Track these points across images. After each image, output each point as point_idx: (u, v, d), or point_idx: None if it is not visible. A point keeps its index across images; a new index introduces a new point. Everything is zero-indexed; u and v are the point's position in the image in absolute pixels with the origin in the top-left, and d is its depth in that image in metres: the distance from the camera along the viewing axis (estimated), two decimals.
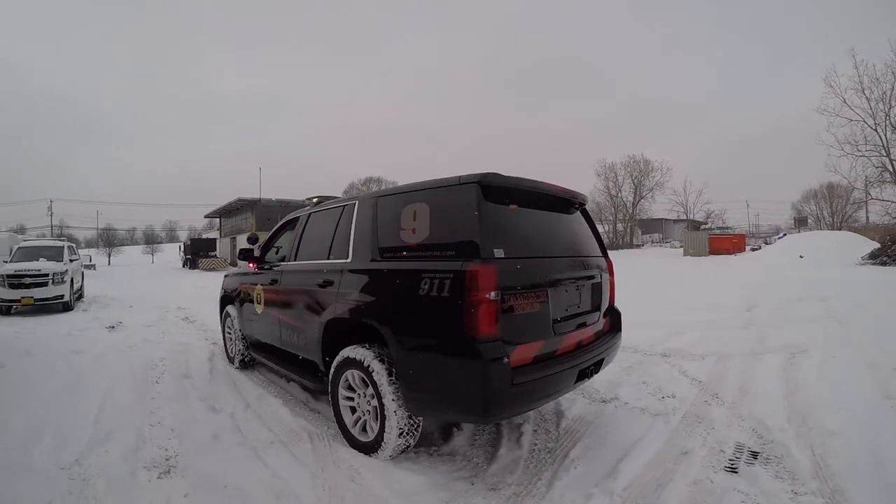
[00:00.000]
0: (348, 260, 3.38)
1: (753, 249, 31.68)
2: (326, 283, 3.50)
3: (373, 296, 3.10)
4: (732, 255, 28.53)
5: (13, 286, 9.91)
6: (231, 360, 5.63)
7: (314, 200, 4.40)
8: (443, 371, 2.59)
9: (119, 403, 4.16)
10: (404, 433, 2.92)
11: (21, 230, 46.90)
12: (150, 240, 75.23)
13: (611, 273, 3.77)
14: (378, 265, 3.10)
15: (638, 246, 51.27)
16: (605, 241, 48.96)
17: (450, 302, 2.51)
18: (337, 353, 3.30)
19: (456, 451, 3.20)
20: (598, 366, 3.19)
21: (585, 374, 3.02)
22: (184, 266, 40.84)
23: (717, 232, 39.91)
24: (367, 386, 3.05)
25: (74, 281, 11.50)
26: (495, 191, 2.77)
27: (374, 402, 3.00)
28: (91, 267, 29.89)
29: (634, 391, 4.23)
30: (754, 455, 2.95)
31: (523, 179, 2.96)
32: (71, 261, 11.71)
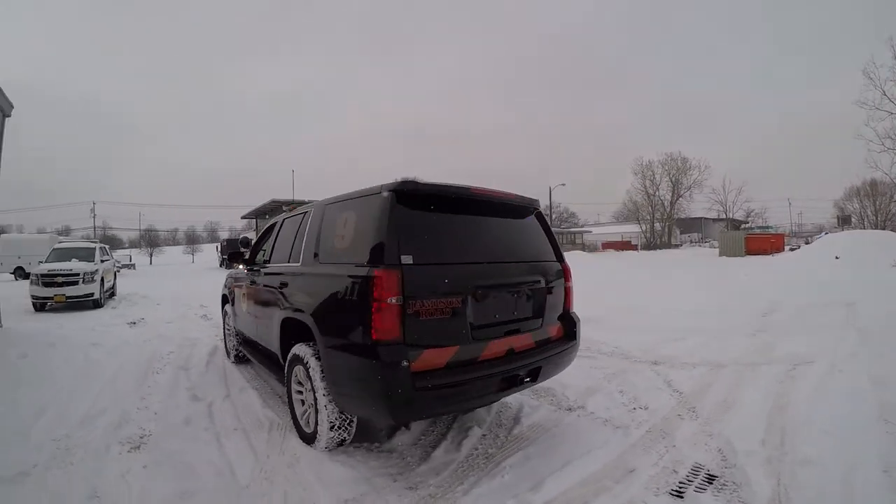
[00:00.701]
0: (299, 264, 3.65)
1: (792, 249, 30.12)
2: (283, 285, 3.79)
3: (309, 297, 3.33)
4: (770, 256, 27.21)
5: (47, 285, 10.79)
6: (228, 355, 6.02)
7: (290, 207, 4.61)
8: (353, 371, 2.74)
9: (118, 390, 4.66)
10: (335, 427, 3.10)
11: (66, 231, 49.67)
12: (192, 240, 78.31)
13: (566, 278, 3.70)
14: (315, 269, 3.35)
15: (676, 246, 49.82)
16: (643, 240, 47.39)
17: (358, 305, 2.67)
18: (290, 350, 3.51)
19: (395, 448, 3.33)
20: (535, 374, 3.18)
21: (515, 381, 3.03)
22: (220, 265, 42.36)
23: (757, 231, 38.21)
24: (309, 381, 3.24)
25: (105, 280, 12.21)
26: (415, 198, 2.88)
27: (312, 397, 3.20)
28: (131, 266, 31.48)
29: (606, 400, 4.13)
30: (710, 479, 2.74)
31: (448, 186, 3.03)
32: (102, 261, 12.45)
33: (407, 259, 2.68)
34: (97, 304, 11.37)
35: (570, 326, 3.66)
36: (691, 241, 54.12)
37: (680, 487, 2.68)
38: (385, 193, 2.82)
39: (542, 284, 3.40)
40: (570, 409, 3.95)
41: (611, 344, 6.10)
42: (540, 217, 3.74)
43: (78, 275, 10.98)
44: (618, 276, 17.52)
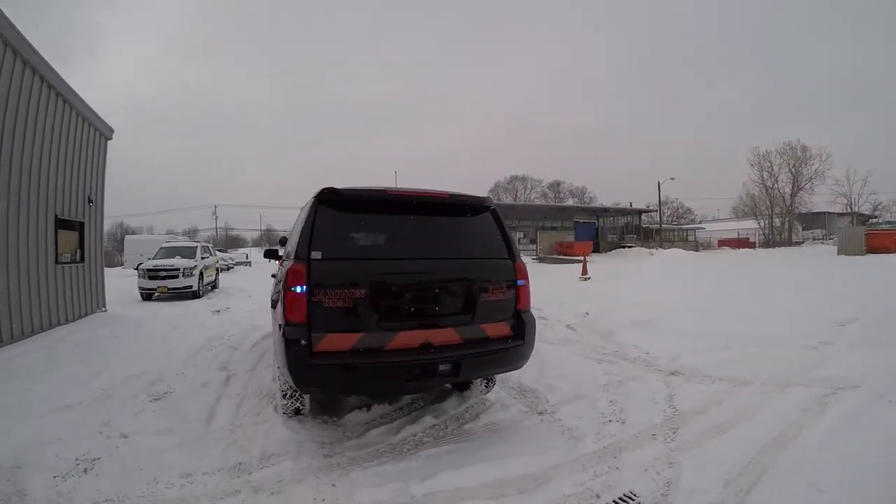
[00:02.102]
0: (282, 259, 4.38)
1: None
2: (273, 276, 4.54)
3: (275, 287, 4.07)
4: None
5: (151, 278, 13.15)
6: None
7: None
8: (275, 346, 3.38)
9: (169, 360, 5.80)
10: (287, 396, 3.74)
11: (193, 232, 56.74)
12: None
13: (519, 276, 3.75)
14: (282, 262, 4.05)
15: (797, 243, 44.64)
16: (760, 237, 42.75)
17: (282, 293, 3.24)
18: None
19: (345, 424, 3.82)
20: (457, 368, 3.36)
21: (432, 373, 3.30)
22: None
23: (885, 227, 32.94)
24: None
25: (205, 275, 14.31)
26: (336, 203, 3.40)
27: None
28: (246, 264, 35.05)
29: (586, 409, 4.02)
30: None
31: (363, 189, 3.51)
32: (203, 258, 14.49)
33: (316, 255, 3.16)
34: (196, 295, 13.45)
35: (519, 326, 3.70)
36: (814, 238, 48.29)
37: None
38: (311, 199, 3.41)
39: (473, 281, 3.53)
40: (540, 413, 3.97)
41: (642, 348, 5.90)
42: (495, 215, 3.87)
43: (178, 269, 13.18)
44: (705, 276, 16.37)
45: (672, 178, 43.78)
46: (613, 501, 2.62)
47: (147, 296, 13.20)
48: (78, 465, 3.05)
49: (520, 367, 3.85)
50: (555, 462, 3.07)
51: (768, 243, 44.88)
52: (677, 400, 4.17)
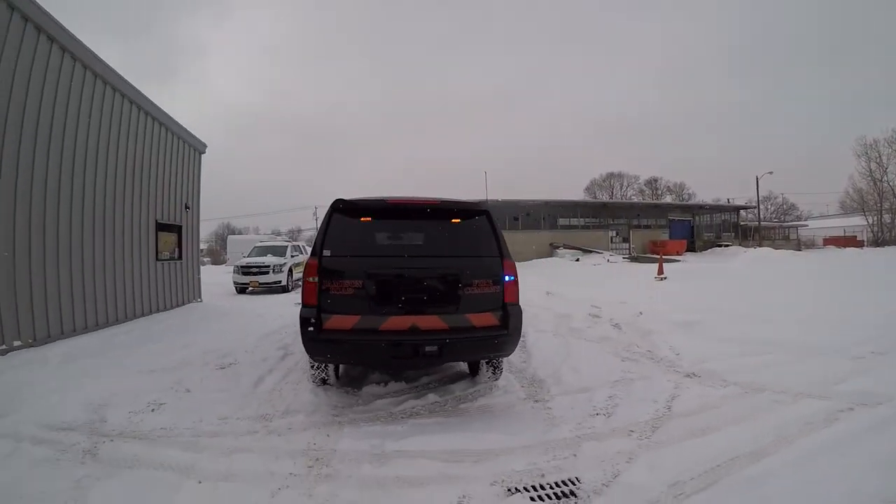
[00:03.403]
0: None
1: None
2: None
3: None
4: None
5: (245, 274, 14.99)
6: None
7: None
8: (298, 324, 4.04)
9: (243, 340, 6.92)
10: (314, 367, 4.48)
11: (297, 232, 61.32)
12: None
13: (507, 272, 4.15)
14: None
15: None
16: (868, 235, 38.62)
17: (303, 282, 4.00)
18: None
19: (361, 394, 4.46)
20: (442, 349, 3.87)
21: (417, 352, 3.84)
22: None
23: None
24: None
25: (295, 271, 16.04)
26: (346, 210, 4.10)
27: None
28: None
29: (580, 402, 4.17)
30: (561, 495, 2.72)
31: (368, 199, 4.18)
32: (292, 256, 16.15)
33: (327, 252, 3.92)
34: (284, 290, 15.17)
35: (504, 317, 4.11)
36: None
37: (521, 487, 2.78)
38: (329, 208, 4.12)
39: (459, 276, 4.04)
40: (536, 401, 4.27)
41: (675, 350, 5.82)
42: (489, 218, 4.34)
43: (269, 266, 14.92)
44: (789, 277, 14.95)
45: (770, 172, 39.52)
46: (555, 482, 2.83)
47: (241, 290, 15.00)
48: (148, 406, 4.04)
49: (505, 354, 4.27)
50: (523, 443, 3.33)
51: (877, 242, 39.63)
52: (677, 401, 4.18)
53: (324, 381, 4.54)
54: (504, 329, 4.06)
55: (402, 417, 3.88)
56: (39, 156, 6.30)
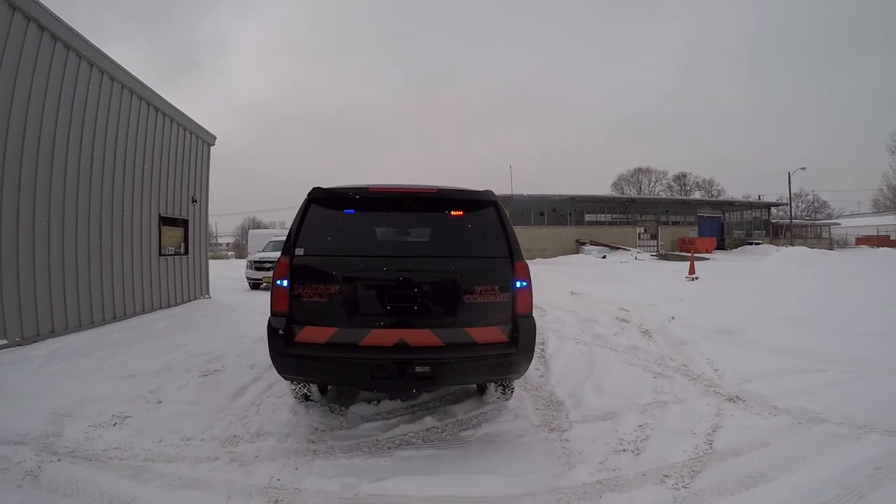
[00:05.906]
0: None
1: None
2: None
3: None
4: None
5: (258, 269, 14.90)
6: None
7: None
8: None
9: (238, 341, 6.61)
10: (293, 382, 4.02)
11: None
12: None
13: (518, 277, 3.52)
14: None
15: None
16: None
17: (272, 284, 3.56)
18: None
19: (347, 415, 4.01)
20: (435, 371, 3.29)
21: (403, 374, 3.27)
22: None
23: None
24: None
25: None
26: (325, 200, 3.60)
27: None
28: None
29: (603, 432, 3.61)
30: None
31: (347, 187, 3.62)
32: None
33: (299, 251, 3.44)
34: None
35: (514, 333, 3.48)
36: None
37: None
38: (306, 198, 3.63)
39: (459, 282, 3.44)
40: (550, 430, 3.68)
41: (713, 364, 5.20)
42: (497, 210, 3.71)
43: None
44: (822, 277, 13.87)
45: (803, 168, 38.24)
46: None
47: (254, 285, 14.83)
48: (112, 419, 3.75)
49: (514, 377, 3.71)
50: (528, 489, 2.80)
51: None
52: (720, 433, 3.55)
53: (306, 398, 4.10)
54: (513, 347, 3.45)
55: (389, 448, 3.40)
56: (28, 149, 6.20)
